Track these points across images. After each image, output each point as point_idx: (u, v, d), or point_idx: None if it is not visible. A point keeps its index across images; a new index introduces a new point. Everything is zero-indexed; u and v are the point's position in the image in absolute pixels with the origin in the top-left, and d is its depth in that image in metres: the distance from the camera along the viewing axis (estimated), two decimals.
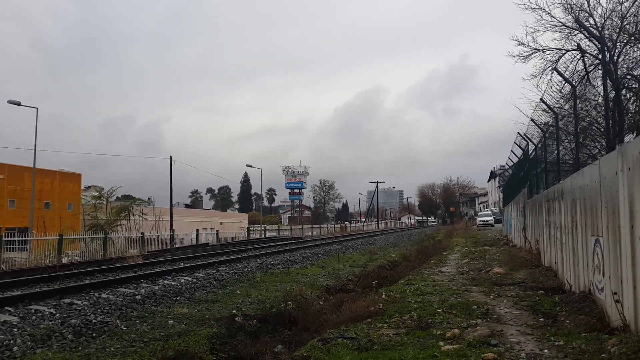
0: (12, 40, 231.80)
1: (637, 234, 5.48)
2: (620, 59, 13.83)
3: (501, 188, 46.45)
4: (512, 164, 26.81)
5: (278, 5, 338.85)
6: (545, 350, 5.75)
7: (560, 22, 15.96)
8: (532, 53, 17.15)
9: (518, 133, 19.81)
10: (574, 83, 10.85)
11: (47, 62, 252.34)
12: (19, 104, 31.18)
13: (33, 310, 9.20)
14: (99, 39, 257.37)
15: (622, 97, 13.09)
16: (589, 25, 14.37)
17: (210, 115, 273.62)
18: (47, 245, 22.43)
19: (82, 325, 8.32)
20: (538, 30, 16.64)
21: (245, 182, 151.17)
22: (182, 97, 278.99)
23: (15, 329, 7.85)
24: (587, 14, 15.19)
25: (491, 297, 9.73)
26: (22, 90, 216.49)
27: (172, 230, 35.47)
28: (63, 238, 22.70)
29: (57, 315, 8.94)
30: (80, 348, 7.29)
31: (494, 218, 58.59)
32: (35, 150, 32.09)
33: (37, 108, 31.99)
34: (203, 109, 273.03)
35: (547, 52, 16.85)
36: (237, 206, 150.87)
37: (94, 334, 8.00)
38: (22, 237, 24.03)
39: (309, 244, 30.68)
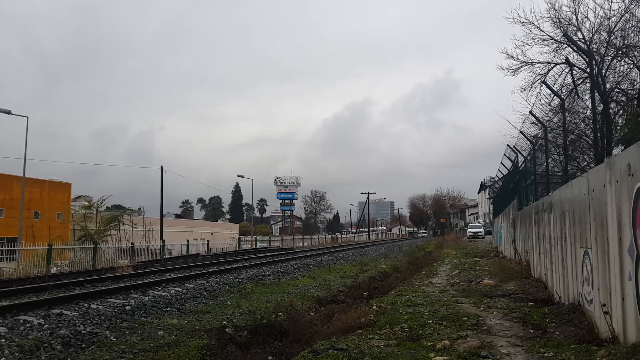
0: (6, 48, 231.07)
1: (625, 246, 5.54)
2: (608, 73, 14.07)
3: (491, 200, 46.69)
4: (502, 176, 26.99)
5: (273, 16, 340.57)
6: None
7: (549, 35, 16.25)
8: (522, 66, 17.44)
9: (507, 145, 19.99)
10: (562, 96, 10.99)
11: (41, 71, 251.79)
12: (9, 112, 30.99)
13: (21, 321, 9.10)
14: (95, 49, 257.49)
15: (610, 110, 13.30)
16: (577, 40, 14.61)
17: (202, 125, 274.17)
18: (36, 255, 22.18)
19: (71, 335, 8.25)
20: (527, 44, 16.93)
21: (237, 193, 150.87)
22: (174, 106, 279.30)
23: (3, 340, 7.76)
24: (575, 28, 15.47)
25: (481, 308, 9.77)
26: (15, 98, 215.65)
27: (163, 241, 35.21)
28: (52, 248, 22.46)
29: (46, 325, 8.84)
30: (69, 359, 7.23)
31: (484, 229, 59.03)
32: (25, 159, 31.88)
33: (27, 117, 31.85)
34: (195, 118, 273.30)
35: (536, 66, 17.13)
36: (228, 216, 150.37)
37: (83, 345, 7.93)
38: (10, 246, 23.77)
39: (300, 255, 30.60)
